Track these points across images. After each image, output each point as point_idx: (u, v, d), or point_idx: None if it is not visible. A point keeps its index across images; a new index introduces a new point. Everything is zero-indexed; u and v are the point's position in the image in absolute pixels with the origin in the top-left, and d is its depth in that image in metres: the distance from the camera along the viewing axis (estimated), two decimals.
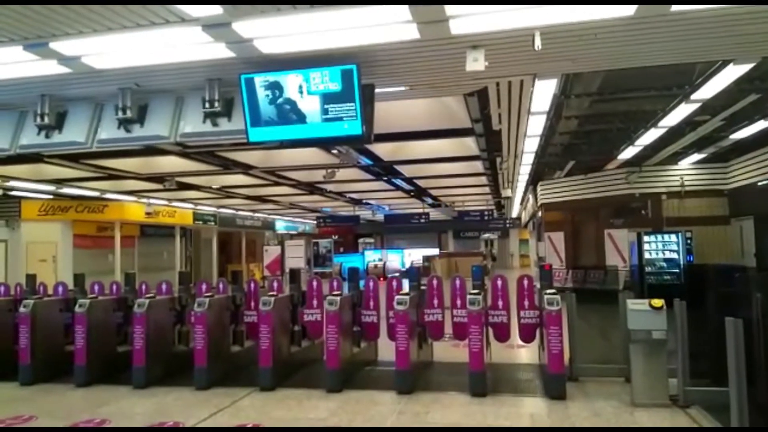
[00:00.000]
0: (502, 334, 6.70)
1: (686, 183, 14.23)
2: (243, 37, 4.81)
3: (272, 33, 4.78)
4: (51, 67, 5.42)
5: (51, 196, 16.67)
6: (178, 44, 4.96)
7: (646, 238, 13.49)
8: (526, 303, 6.61)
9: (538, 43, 4.74)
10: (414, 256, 30.69)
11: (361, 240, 37.57)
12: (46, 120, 6.34)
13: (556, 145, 12.28)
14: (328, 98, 5.52)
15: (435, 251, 32.74)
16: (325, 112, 5.58)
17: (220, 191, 17.12)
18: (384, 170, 14.11)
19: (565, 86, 7.58)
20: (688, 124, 9.68)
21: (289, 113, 5.67)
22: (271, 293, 6.96)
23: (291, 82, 5.54)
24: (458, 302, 6.86)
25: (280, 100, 5.64)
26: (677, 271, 13.13)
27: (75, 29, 4.64)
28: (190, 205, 21.21)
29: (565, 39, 4.94)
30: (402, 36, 4.80)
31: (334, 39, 4.90)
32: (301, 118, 5.66)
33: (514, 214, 29.01)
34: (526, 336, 6.65)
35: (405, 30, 4.68)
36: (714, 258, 13.14)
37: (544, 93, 6.76)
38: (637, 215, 14.81)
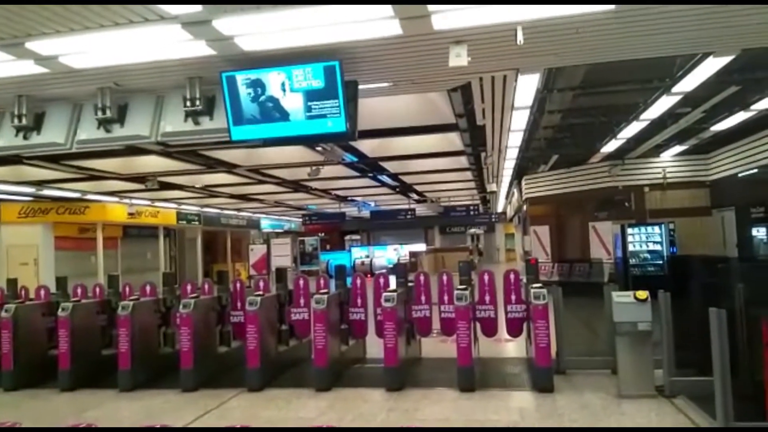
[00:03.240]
0: (490, 328, 6.72)
1: (668, 175, 14.40)
2: (223, 35, 4.75)
3: (253, 30, 4.73)
4: (28, 67, 5.32)
5: (31, 198, 16.40)
6: (158, 42, 4.89)
7: (629, 230, 13.62)
8: (513, 297, 6.63)
9: (520, 38, 4.75)
10: (396, 252, 30.25)
11: (347, 237, 37.48)
12: (24, 121, 6.21)
13: (539, 139, 12.37)
14: (311, 95, 5.48)
15: (422, 247, 32.75)
16: (308, 109, 5.54)
17: (203, 190, 16.98)
18: (369, 167, 14.08)
19: (548, 81, 7.63)
20: (670, 116, 9.79)
21: (272, 111, 5.62)
22: (257, 293, 6.91)
23: (273, 79, 5.49)
24: (446, 298, 6.85)
25: (262, 98, 5.58)
26: (661, 262, 13.27)
27: (52, 29, 4.55)
28: (174, 205, 21.01)
29: (547, 34, 4.96)
30: (384, 32, 4.79)
31: (316, 35, 4.87)
32: (284, 115, 5.61)
33: (500, 209, 29.15)
34: (514, 330, 6.68)
35: (387, 26, 4.66)
36: (697, 249, 13.31)
37: (526, 88, 6.78)
38: (620, 207, 14.94)
